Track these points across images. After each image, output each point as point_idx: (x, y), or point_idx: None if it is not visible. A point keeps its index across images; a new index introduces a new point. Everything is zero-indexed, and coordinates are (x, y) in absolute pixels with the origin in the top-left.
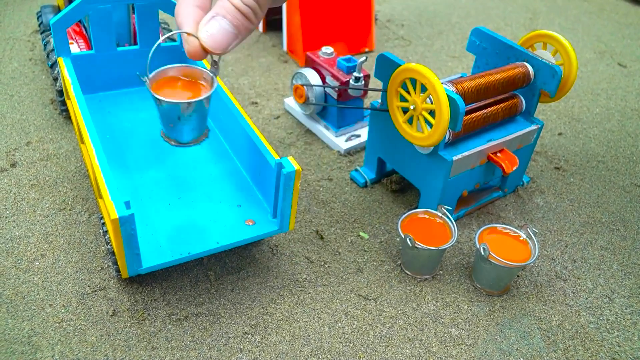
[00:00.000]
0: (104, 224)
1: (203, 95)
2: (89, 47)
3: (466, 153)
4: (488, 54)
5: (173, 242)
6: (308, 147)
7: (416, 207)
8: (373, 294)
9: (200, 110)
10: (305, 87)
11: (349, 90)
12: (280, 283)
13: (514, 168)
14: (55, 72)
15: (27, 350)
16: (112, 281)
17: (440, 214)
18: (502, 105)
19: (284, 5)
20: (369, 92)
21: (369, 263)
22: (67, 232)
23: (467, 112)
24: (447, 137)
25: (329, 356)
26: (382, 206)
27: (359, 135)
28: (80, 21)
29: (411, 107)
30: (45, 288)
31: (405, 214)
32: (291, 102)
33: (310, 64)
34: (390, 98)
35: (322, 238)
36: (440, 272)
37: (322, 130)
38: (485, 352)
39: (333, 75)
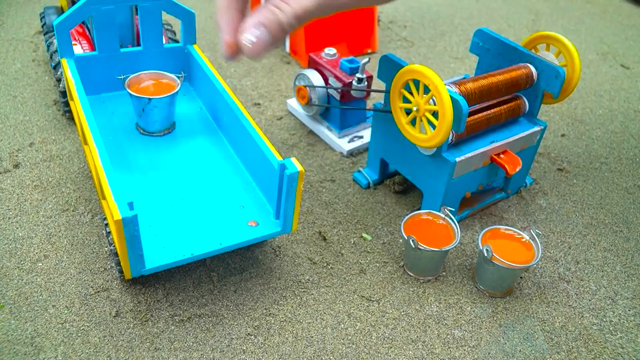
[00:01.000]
0: (107, 224)
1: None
2: (92, 48)
3: (469, 154)
4: (491, 55)
5: (176, 243)
6: (311, 149)
7: (419, 209)
8: (376, 295)
9: (161, 106)
10: (308, 88)
11: (352, 92)
12: (283, 284)
13: (517, 169)
14: (59, 73)
15: (30, 351)
16: (115, 282)
17: (443, 215)
18: (505, 106)
19: None
20: (372, 93)
21: (371, 264)
22: (70, 233)
23: (470, 114)
24: (450, 139)
25: (331, 357)
26: (384, 207)
27: (361, 137)
28: (83, 22)
29: (414, 109)
30: (48, 289)
31: (408, 215)
32: (294, 104)
33: (313, 65)
34: (393, 99)
35: (324, 239)
36: (443, 273)
37: (325, 132)
38: (489, 353)
39: (336, 77)
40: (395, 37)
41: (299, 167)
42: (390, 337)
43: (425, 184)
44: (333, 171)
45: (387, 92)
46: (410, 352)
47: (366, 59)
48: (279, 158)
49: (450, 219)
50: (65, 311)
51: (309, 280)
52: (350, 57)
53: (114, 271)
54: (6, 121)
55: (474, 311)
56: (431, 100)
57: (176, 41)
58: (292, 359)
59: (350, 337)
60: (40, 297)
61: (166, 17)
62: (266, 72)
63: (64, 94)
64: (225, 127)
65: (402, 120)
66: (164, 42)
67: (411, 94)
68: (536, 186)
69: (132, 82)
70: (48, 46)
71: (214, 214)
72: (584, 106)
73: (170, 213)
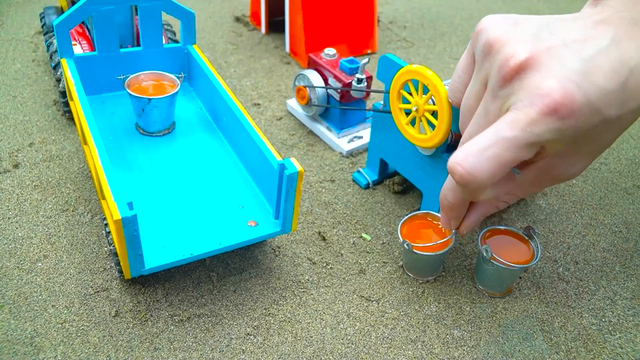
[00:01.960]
0: (106, 224)
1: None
2: (92, 49)
3: None
4: None
5: (175, 243)
6: (310, 149)
7: (418, 209)
8: (375, 295)
9: (161, 107)
10: (307, 88)
11: (352, 92)
12: (282, 284)
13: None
14: (58, 73)
15: (29, 351)
16: (115, 282)
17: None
18: None
19: (287, 7)
20: (372, 93)
21: (371, 264)
22: (70, 233)
23: None
24: (449, 139)
25: (331, 357)
26: (384, 208)
27: (361, 137)
28: (83, 22)
29: (413, 109)
30: (47, 289)
31: (406, 217)
32: (293, 104)
33: (313, 65)
34: (392, 100)
35: (324, 239)
36: (443, 273)
37: (325, 132)
38: (488, 353)
39: (335, 77)
40: (395, 38)
41: (299, 167)
42: (390, 337)
43: (424, 184)
44: (332, 171)
45: (386, 92)
46: (410, 352)
47: (366, 60)
48: (279, 158)
49: None
50: (65, 311)
51: (308, 280)
52: (350, 58)
53: (113, 271)
54: (6, 121)
55: (473, 311)
56: (430, 100)
57: (176, 41)
58: (292, 359)
59: (349, 337)
60: (40, 297)
61: (166, 17)
62: (266, 72)
63: (63, 94)
64: (224, 127)
65: (402, 121)
66: (163, 42)
67: (410, 94)
68: None
69: (132, 82)
70: (48, 46)
71: (214, 214)
72: None
73: (170, 213)
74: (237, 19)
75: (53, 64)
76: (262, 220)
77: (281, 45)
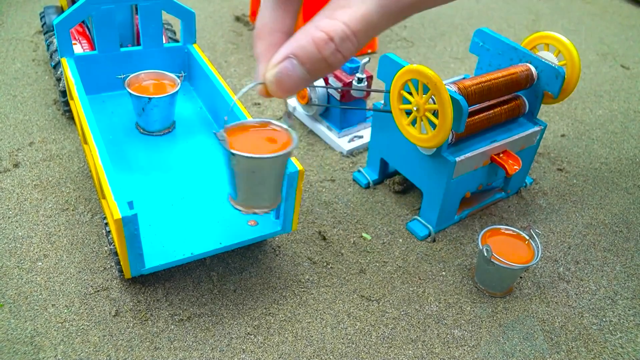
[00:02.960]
0: (106, 224)
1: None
2: (92, 48)
3: (469, 154)
4: (491, 55)
5: (176, 243)
6: (310, 148)
7: (419, 209)
8: (376, 294)
9: (161, 106)
10: (307, 88)
11: (352, 92)
12: (282, 284)
13: (517, 169)
14: (59, 72)
15: (29, 350)
16: (115, 281)
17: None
18: (505, 106)
19: None
20: (372, 93)
21: (371, 264)
22: (70, 232)
23: (471, 114)
24: (450, 139)
25: (331, 357)
26: (384, 207)
27: (361, 136)
28: (83, 22)
29: (414, 109)
30: (48, 288)
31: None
32: (294, 103)
33: None
34: (393, 101)
35: (324, 239)
36: (443, 273)
37: (325, 131)
38: (488, 353)
39: (336, 76)
40: (395, 37)
41: (299, 167)
42: (390, 337)
43: (425, 183)
44: (333, 171)
45: (387, 92)
46: (410, 351)
47: (366, 59)
48: None
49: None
50: (65, 310)
51: (308, 279)
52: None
53: (113, 270)
54: (6, 120)
55: (473, 311)
56: (431, 99)
57: (176, 41)
58: (292, 359)
59: (350, 336)
60: (40, 297)
61: (166, 16)
62: None
63: (64, 93)
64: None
65: (403, 121)
66: (164, 41)
67: (411, 94)
68: (536, 186)
69: (132, 81)
70: (48, 45)
71: (214, 213)
72: (583, 106)
73: (170, 212)
74: (237, 19)
75: (53, 64)
76: (263, 219)
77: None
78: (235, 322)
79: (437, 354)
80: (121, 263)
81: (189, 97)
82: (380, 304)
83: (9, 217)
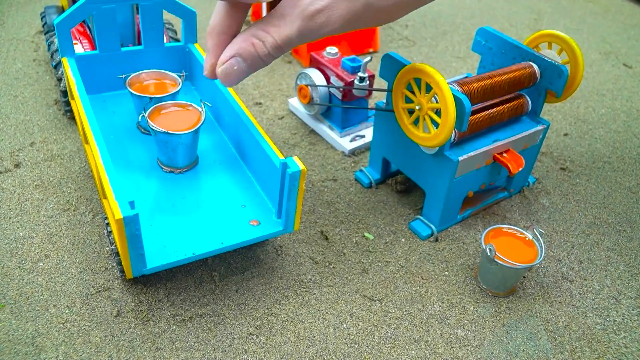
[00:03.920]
0: (108, 224)
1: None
2: (93, 48)
3: (472, 153)
4: (494, 53)
5: (177, 243)
6: (312, 148)
7: (421, 208)
8: (378, 294)
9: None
10: (309, 87)
11: (354, 91)
12: (285, 284)
13: (520, 168)
14: (60, 72)
15: (31, 351)
16: (117, 282)
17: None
18: (508, 105)
19: None
20: (374, 92)
21: (374, 264)
22: (71, 232)
23: (473, 112)
24: (452, 138)
25: (334, 357)
26: (387, 207)
27: (363, 136)
28: (84, 21)
29: (417, 108)
30: (49, 289)
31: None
32: (295, 103)
33: (315, 64)
34: (395, 100)
35: (326, 239)
36: (446, 273)
37: (327, 131)
38: (492, 353)
39: (337, 76)
40: (397, 37)
41: (301, 166)
42: (393, 337)
43: (427, 183)
44: (335, 170)
45: (389, 91)
46: (413, 351)
47: (368, 58)
48: (281, 157)
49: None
50: (66, 311)
51: (311, 279)
52: (352, 56)
53: (115, 271)
54: (7, 121)
55: (476, 311)
56: (433, 98)
57: (177, 40)
58: (294, 359)
59: (352, 336)
60: (41, 297)
61: (167, 16)
62: (267, 71)
63: (65, 93)
64: (226, 126)
65: (405, 120)
66: (165, 41)
67: (413, 93)
68: (539, 185)
69: (133, 81)
70: (49, 45)
71: (216, 213)
72: (586, 105)
73: (172, 212)
74: None
75: (54, 63)
76: (265, 219)
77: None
78: (237, 322)
79: (440, 354)
80: (122, 263)
81: (191, 97)
82: (383, 304)
83: (10, 218)
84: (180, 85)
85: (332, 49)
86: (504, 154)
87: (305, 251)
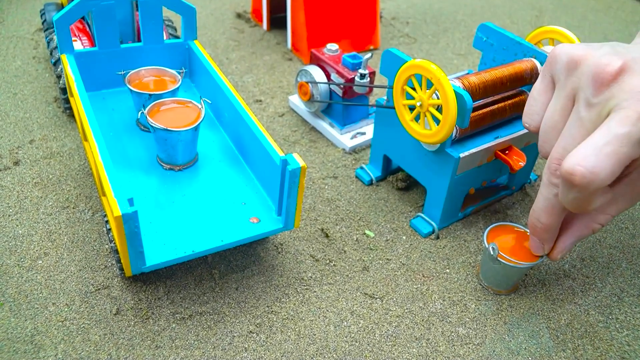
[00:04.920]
0: (107, 222)
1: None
2: (92, 44)
3: (473, 150)
4: (495, 50)
5: (177, 240)
6: (313, 145)
7: (422, 205)
8: (379, 292)
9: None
10: (310, 84)
11: (354, 87)
12: (285, 281)
13: (522, 165)
14: (59, 69)
15: (30, 349)
16: (116, 280)
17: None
18: (509, 101)
19: (288, 3)
20: (375, 88)
21: (374, 261)
22: (71, 230)
23: (475, 109)
24: (454, 134)
25: (334, 355)
26: (388, 204)
27: (364, 133)
28: (83, 18)
29: (418, 104)
30: (48, 286)
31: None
32: (296, 100)
33: (315, 61)
34: (396, 97)
35: (327, 236)
36: (447, 270)
37: (327, 128)
38: (493, 351)
39: (338, 72)
40: (398, 34)
41: (301, 163)
42: (394, 335)
43: (428, 180)
44: (335, 168)
45: (390, 87)
46: (414, 349)
47: (369, 55)
48: (281, 154)
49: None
50: (66, 309)
51: (311, 277)
52: (353, 53)
53: (114, 269)
54: (6, 118)
55: (478, 308)
56: (434, 94)
57: (177, 37)
58: (295, 357)
59: (353, 334)
60: (40, 295)
61: (167, 12)
62: (268, 68)
63: (64, 90)
64: (226, 123)
65: (406, 117)
66: (164, 37)
67: (414, 89)
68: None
69: (133, 78)
70: (48, 42)
71: (215, 210)
72: None
73: (171, 209)
74: (239, 16)
75: (53, 60)
76: (265, 216)
77: (283, 42)
78: (237, 321)
79: (441, 352)
80: (122, 261)
81: (190, 94)
82: (384, 301)
83: (9, 215)
84: (180, 82)
85: (332, 46)
86: (506, 151)
87: (306, 249)
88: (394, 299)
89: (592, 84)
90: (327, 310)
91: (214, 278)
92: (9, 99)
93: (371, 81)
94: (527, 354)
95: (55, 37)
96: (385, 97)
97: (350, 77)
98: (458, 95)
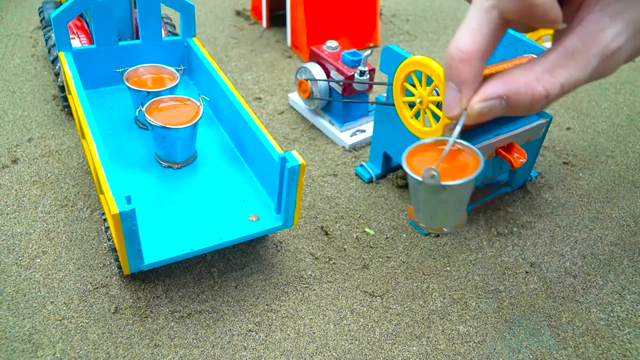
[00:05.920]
0: (105, 220)
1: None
2: (91, 42)
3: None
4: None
5: (175, 238)
6: (312, 143)
7: None
8: (379, 290)
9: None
10: (309, 81)
11: (354, 85)
12: (284, 280)
13: (522, 162)
14: (57, 67)
15: (28, 348)
16: (114, 278)
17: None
18: None
19: (288, 0)
20: (374, 86)
21: (374, 259)
22: (69, 228)
23: None
24: None
25: (334, 354)
26: (387, 202)
27: (364, 130)
28: (81, 15)
29: (417, 101)
30: (46, 285)
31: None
32: (295, 98)
33: (315, 58)
34: (396, 94)
35: (327, 234)
36: (447, 268)
37: (327, 126)
38: (494, 349)
39: (338, 70)
40: (398, 31)
41: (300, 160)
42: (394, 333)
43: None
44: (335, 165)
45: (389, 84)
46: (415, 348)
47: (368, 52)
48: (280, 151)
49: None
50: (64, 307)
51: (311, 275)
52: (353, 50)
53: (113, 267)
54: (5, 117)
55: (479, 306)
56: (434, 91)
57: (175, 34)
58: (294, 355)
59: (353, 333)
60: (39, 294)
61: (165, 10)
62: (267, 66)
63: (62, 88)
64: (225, 120)
65: (406, 114)
66: (163, 35)
67: (414, 86)
68: (541, 180)
69: (131, 75)
70: (46, 40)
71: (214, 208)
72: (589, 99)
73: (170, 207)
74: (238, 13)
75: (52, 58)
76: (264, 214)
77: (282, 39)
78: (236, 319)
79: (441, 351)
80: (120, 259)
81: (189, 91)
82: (384, 299)
83: (7, 214)
84: (178, 79)
85: (332, 43)
86: (507, 148)
87: (305, 247)
88: (394, 297)
89: None
90: (327, 309)
91: (212, 276)
92: (7, 97)
93: (371, 78)
94: (528, 352)
95: (53, 35)
96: (385, 94)
97: (349, 74)
98: None
